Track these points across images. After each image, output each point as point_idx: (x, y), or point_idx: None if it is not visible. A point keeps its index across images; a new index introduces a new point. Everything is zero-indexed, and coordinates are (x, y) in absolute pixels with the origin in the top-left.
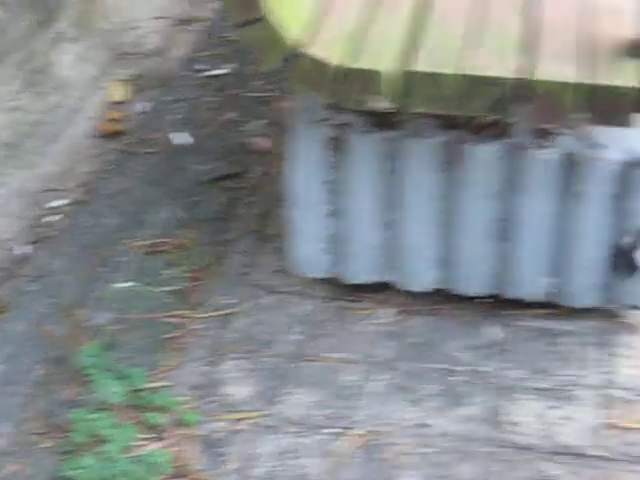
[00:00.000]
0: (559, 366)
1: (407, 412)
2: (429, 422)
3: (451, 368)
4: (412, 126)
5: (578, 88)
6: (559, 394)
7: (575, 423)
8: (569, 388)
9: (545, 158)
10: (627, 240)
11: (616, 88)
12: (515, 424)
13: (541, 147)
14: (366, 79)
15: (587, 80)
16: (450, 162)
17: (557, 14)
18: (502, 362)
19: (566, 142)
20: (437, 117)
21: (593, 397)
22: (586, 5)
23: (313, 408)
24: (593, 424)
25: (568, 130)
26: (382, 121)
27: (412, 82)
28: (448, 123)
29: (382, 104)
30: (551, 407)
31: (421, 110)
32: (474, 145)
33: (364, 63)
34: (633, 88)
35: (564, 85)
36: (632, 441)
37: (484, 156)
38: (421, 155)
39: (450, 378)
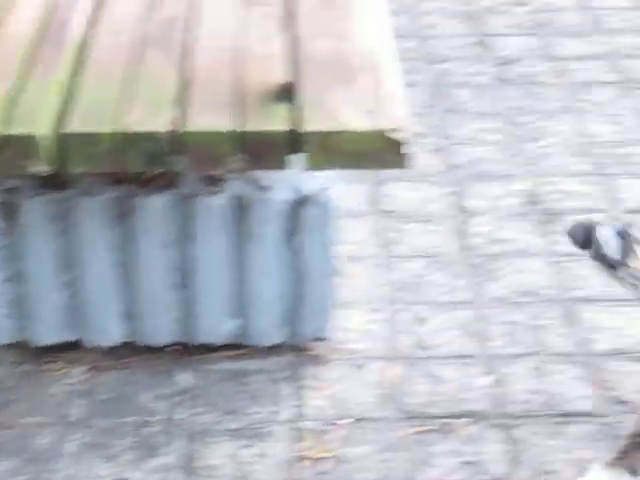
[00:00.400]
0: (250, 405)
1: (102, 469)
2: (125, 476)
3: (145, 419)
4: (82, 185)
5: (231, 136)
6: (252, 433)
7: (268, 459)
8: (261, 425)
9: (215, 204)
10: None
11: (267, 132)
12: (210, 467)
13: (211, 193)
14: (22, 145)
15: (240, 127)
16: (123, 216)
17: (210, 64)
18: (195, 407)
19: (235, 186)
20: (106, 173)
21: (285, 432)
22: (238, 53)
23: (9, 476)
24: (286, 458)
25: (235, 175)
26: (51, 182)
27: (68, 143)
28: (118, 178)
29: (42, 168)
30: (244, 446)
31: (81, 170)
32: (145, 197)
33: (18, 129)
34: (284, 132)
35: (217, 134)
36: (323, 470)
37: (155, 207)
38: (93, 212)
39: (144, 429)
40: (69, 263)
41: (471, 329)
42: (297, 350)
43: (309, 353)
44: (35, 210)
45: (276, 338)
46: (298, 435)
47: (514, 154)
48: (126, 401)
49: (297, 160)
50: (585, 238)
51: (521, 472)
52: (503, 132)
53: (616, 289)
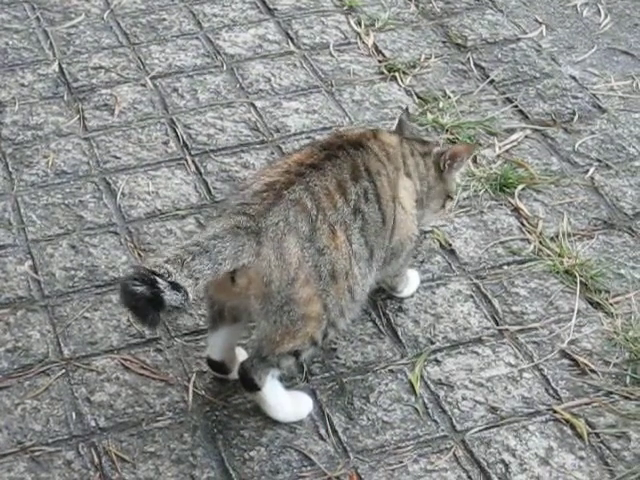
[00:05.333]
0: None
1: None
2: None
3: None
4: None
5: None
6: None
7: None
8: None
9: None
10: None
11: None
12: None
13: None
14: None
15: None
16: None
17: None
18: None
19: None
20: None
21: None
22: None
23: None
24: None
25: None
26: None
27: None
28: None
29: None
30: None
31: None
32: None
33: None
34: None
35: None
36: None
37: None
38: None
39: None
40: None
41: (8, 219)
42: None
43: None
44: None
45: None
46: None
47: (42, 39)
48: None
49: None
50: (148, 306)
51: (67, 349)
52: (30, 18)
53: (148, 154)
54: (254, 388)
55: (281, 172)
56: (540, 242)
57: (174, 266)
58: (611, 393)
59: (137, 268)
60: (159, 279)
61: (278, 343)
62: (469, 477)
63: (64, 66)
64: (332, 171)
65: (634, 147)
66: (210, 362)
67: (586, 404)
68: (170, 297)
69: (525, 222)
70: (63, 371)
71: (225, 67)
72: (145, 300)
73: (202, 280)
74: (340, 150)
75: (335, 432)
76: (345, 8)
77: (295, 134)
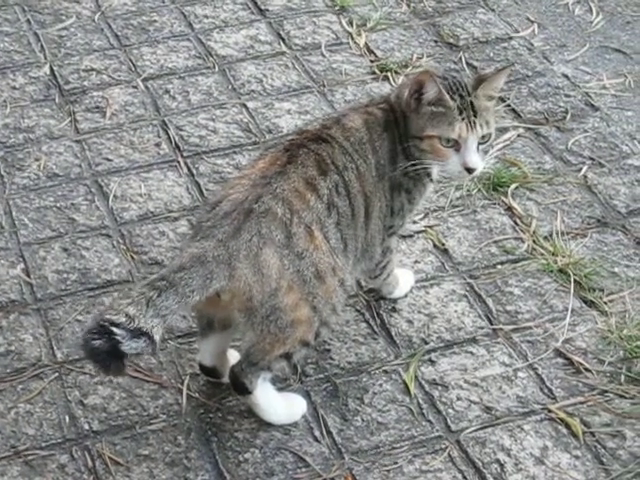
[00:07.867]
0: None
1: None
2: None
3: None
4: None
5: None
6: None
7: None
8: None
9: None
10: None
11: None
12: None
13: None
14: None
15: None
16: None
17: None
18: None
19: None
20: None
21: None
22: None
23: None
24: None
25: None
26: None
27: None
28: None
29: None
30: None
31: None
32: None
33: None
34: None
35: None
36: None
37: None
38: None
39: None
40: None
41: (0, 222)
42: None
43: None
44: None
45: None
46: None
47: (33, 41)
48: None
49: None
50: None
51: (60, 352)
52: (20, 21)
53: (140, 156)
54: (245, 392)
55: (249, 187)
56: (534, 241)
57: (137, 308)
58: (606, 392)
59: (96, 319)
60: (116, 329)
61: (268, 351)
62: (464, 477)
63: (55, 69)
64: (296, 172)
65: (627, 145)
66: (202, 367)
67: (581, 403)
68: (129, 346)
69: (518, 221)
70: (56, 374)
71: (217, 68)
72: (104, 353)
73: (170, 315)
74: (301, 148)
75: (330, 433)
76: (336, 8)
77: (287, 135)
